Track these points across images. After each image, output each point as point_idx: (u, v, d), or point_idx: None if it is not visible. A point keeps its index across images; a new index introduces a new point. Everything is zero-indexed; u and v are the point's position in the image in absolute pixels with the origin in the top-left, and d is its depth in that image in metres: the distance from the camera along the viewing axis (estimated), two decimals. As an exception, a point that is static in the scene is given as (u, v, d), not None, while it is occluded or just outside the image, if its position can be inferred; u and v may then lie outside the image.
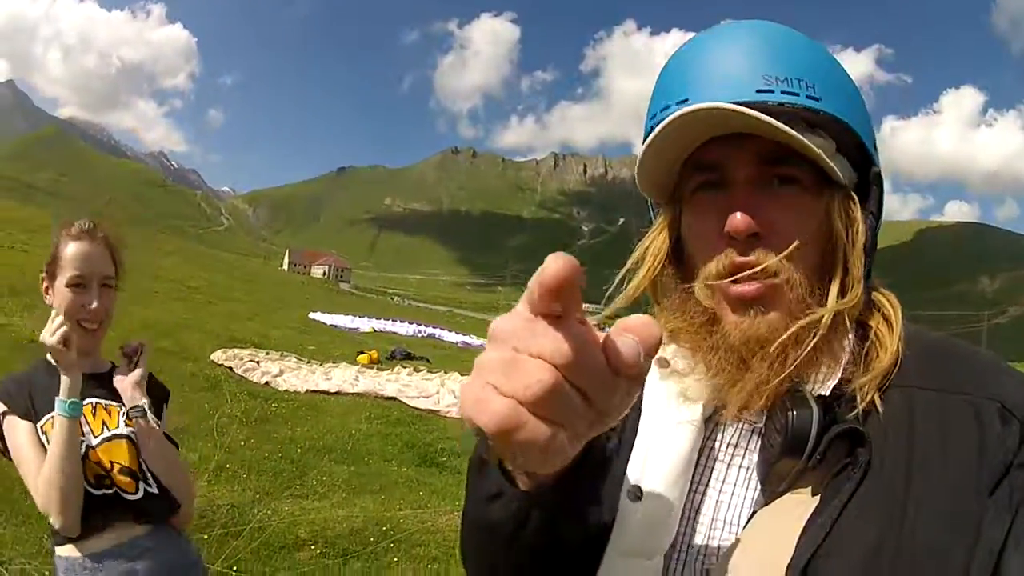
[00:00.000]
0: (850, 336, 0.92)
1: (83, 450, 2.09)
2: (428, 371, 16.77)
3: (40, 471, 2.02)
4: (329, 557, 5.21)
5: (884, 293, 0.98)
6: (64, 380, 2.04)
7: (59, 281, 2.18)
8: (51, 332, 2.04)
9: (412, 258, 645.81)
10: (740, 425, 0.97)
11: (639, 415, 1.04)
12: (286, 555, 5.06)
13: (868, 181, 0.97)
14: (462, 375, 16.49)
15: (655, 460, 0.97)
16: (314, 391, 12.19)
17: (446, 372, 16.68)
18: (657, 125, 0.93)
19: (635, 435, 1.02)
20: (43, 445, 2.08)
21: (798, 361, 0.88)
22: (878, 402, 0.87)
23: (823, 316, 0.88)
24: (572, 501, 0.84)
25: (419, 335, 31.59)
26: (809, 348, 0.88)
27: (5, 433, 2.14)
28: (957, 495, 0.80)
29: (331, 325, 28.48)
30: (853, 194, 0.94)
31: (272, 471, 7.06)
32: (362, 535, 5.64)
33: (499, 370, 0.56)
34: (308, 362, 14.95)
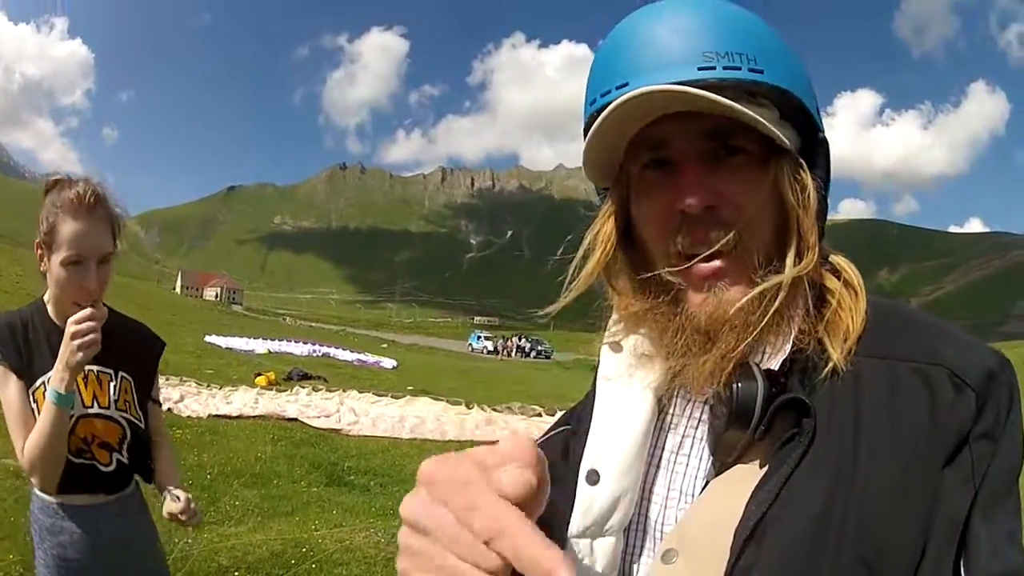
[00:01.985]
0: (808, 301, 0.92)
1: (72, 420, 2.15)
2: (327, 390, 16.59)
3: (25, 435, 2.10)
4: (255, 583, 5.18)
5: (842, 259, 0.98)
6: (61, 370, 2.04)
7: (55, 258, 2.13)
8: (80, 335, 2.02)
9: (302, 277, 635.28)
10: (690, 396, 1.00)
11: (593, 401, 1.06)
12: (212, 584, 4.97)
13: (814, 146, 0.96)
14: (360, 392, 16.43)
15: (611, 443, 0.98)
16: (216, 415, 11.90)
17: (344, 390, 16.60)
18: (597, 111, 0.94)
19: (590, 421, 1.04)
20: (32, 411, 2.14)
21: (760, 327, 0.89)
22: (833, 370, 0.88)
23: (781, 281, 0.88)
24: None
25: (314, 355, 31.11)
26: (770, 315, 0.88)
27: None
28: (908, 465, 0.80)
29: (226, 348, 27.77)
30: (801, 160, 0.93)
31: (183, 499, 6.88)
32: (282, 558, 5.62)
33: (437, 570, 0.57)
34: (208, 386, 14.60)
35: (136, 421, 2.34)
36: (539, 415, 15.94)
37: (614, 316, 1.07)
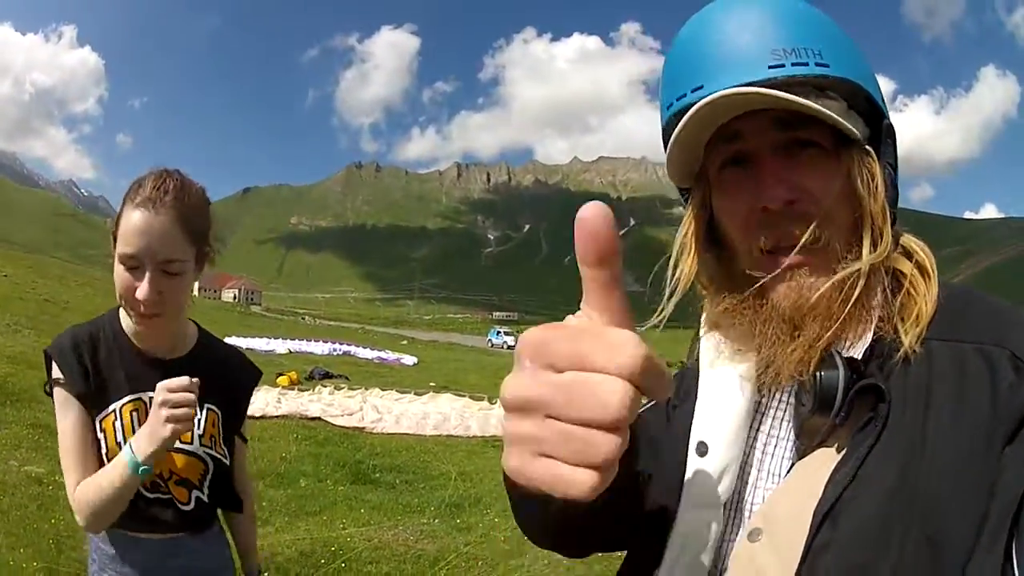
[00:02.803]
0: (885, 287, 0.96)
1: None
2: (349, 389, 16.58)
3: (81, 472, 1.79)
4: (284, 584, 5.12)
5: (913, 240, 1.02)
6: (147, 440, 1.71)
7: (117, 252, 1.78)
8: (170, 405, 1.68)
9: (320, 276, 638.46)
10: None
11: (697, 373, 1.11)
12: (240, 586, 4.93)
13: (881, 133, 1.00)
14: (382, 390, 16.42)
15: (717, 417, 1.03)
16: (237, 416, 11.83)
17: (366, 388, 16.59)
18: (674, 114, 0.98)
19: (695, 392, 1.09)
20: (99, 443, 1.82)
21: (843, 316, 0.92)
22: (907, 355, 0.90)
23: (859, 269, 0.92)
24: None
25: (335, 353, 31.25)
26: (851, 302, 0.92)
27: (56, 405, 1.85)
28: (971, 445, 0.81)
29: (247, 349, 27.70)
30: (869, 149, 0.97)
31: (209, 500, 6.81)
32: (312, 558, 5.58)
33: (561, 443, 0.55)
34: (229, 387, 14.55)
35: (221, 457, 2.01)
36: (566, 409, 15.72)
37: (705, 315, 1.11)
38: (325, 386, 16.88)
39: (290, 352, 29.03)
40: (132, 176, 1.84)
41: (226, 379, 2.09)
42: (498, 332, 77.46)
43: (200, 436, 1.96)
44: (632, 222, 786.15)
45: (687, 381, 1.15)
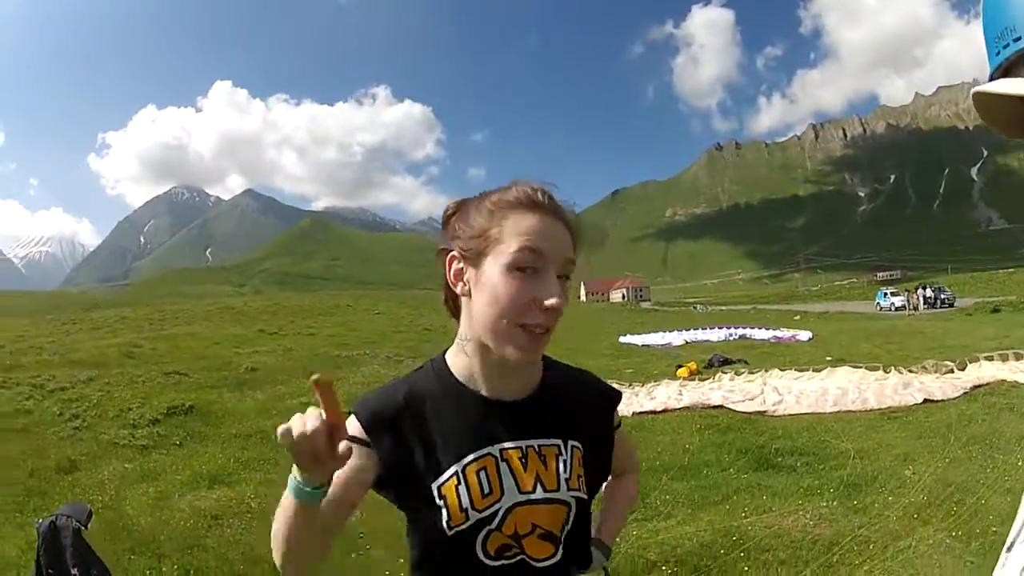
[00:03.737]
0: None
1: (501, 513, 1.52)
2: (748, 373, 16.25)
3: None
4: (681, 576, 5.30)
5: None
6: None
7: (491, 264, 1.46)
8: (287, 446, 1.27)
9: (704, 262, 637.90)
10: None
11: None
12: (638, 580, 5.14)
13: None
14: (781, 370, 15.98)
15: None
16: (640, 412, 12.22)
17: (766, 370, 16.20)
18: (997, 66, 0.92)
19: None
20: (435, 513, 1.51)
21: None
22: None
23: None
24: None
25: (730, 339, 30.86)
26: None
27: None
28: None
29: (643, 345, 28.51)
30: None
31: (614, 498, 7.09)
32: (711, 549, 5.66)
33: None
34: (629, 385, 15.07)
35: (584, 497, 1.64)
36: (951, 371, 14.51)
37: None
38: (725, 372, 16.73)
39: (686, 343, 29.13)
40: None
41: (584, 409, 1.74)
42: (885, 294, 71.45)
43: (567, 480, 1.61)
44: (984, 152, 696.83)
45: None
